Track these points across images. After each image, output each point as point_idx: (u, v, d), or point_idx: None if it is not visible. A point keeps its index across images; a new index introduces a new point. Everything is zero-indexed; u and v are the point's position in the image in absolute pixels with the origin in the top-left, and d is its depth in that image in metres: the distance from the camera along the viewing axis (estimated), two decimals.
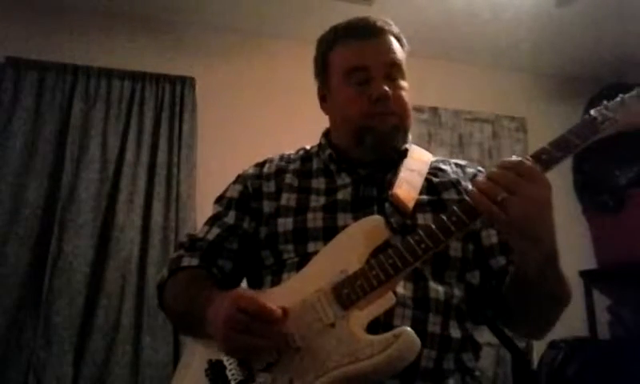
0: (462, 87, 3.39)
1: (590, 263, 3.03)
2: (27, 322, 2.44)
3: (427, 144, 3.19)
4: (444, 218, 0.86)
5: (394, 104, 1.07)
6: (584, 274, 2.91)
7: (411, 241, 0.86)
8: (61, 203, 2.57)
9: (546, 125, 3.29)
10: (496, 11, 2.90)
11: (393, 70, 1.09)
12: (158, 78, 2.87)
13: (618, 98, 0.93)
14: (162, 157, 2.76)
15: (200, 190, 2.78)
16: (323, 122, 1.21)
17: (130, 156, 2.72)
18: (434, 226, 0.86)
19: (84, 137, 2.70)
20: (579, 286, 2.90)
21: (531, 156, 0.87)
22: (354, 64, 1.10)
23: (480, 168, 1.17)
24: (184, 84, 2.89)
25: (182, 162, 2.79)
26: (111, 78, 2.80)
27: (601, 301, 2.96)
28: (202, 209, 2.69)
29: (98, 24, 2.90)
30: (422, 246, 0.85)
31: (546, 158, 0.86)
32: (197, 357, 0.94)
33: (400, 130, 1.09)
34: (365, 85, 1.08)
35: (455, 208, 0.87)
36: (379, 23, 1.12)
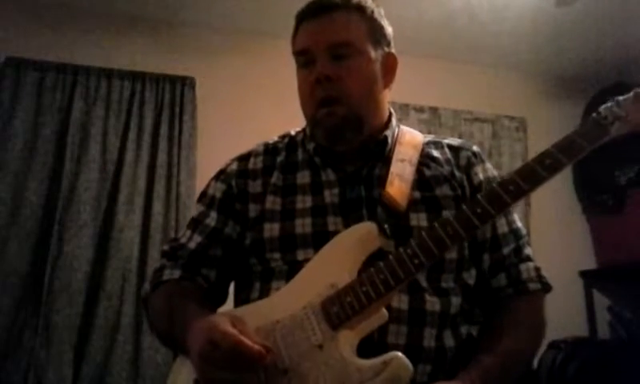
0: (462, 87, 3.39)
1: (590, 263, 3.03)
2: (27, 322, 2.44)
3: None
4: (439, 229, 0.82)
5: (339, 87, 0.98)
6: (584, 274, 2.91)
7: (404, 255, 0.82)
8: (61, 203, 2.57)
9: (546, 125, 3.30)
10: (496, 11, 2.90)
11: (339, 49, 0.99)
12: (158, 78, 2.87)
13: (631, 93, 0.83)
14: (162, 157, 2.76)
15: (200, 190, 2.78)
16: None
17: (130, 156, 2.72)
18: (428, 240, 0.81)
19: (84, 137, 2.70)
20: (579, 286, 2.90)
21: (534, 161, 0.82)
22: (298, 47, 1.04)
23: (475, 149, 1.09)
24: (184, 84, 2.89)
25: (182, 162, 2.79)
26: (111, 78, 2.80)
27: (601, 301, 2.96)
28: None
29: (98, 24, 2.90)
30: (416, 261, 0.81)
31: (549, 163, 0.80)
32: (184, 372, 0.90)
33: (350, 120, 0.99)
34: (310, 67, 1.01)
35: (451, 219, 0.82)
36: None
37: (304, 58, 1.03)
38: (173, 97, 2.86)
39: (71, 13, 2.87)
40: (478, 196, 0.84)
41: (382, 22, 1.07)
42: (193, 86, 2.91)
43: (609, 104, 0.83)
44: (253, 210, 1.03)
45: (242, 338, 0.74)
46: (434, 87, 3.22)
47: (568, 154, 0.81)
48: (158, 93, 2.85)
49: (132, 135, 2.76)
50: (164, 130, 2.81)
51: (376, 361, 0.75)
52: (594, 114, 0.83)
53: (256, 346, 0.74)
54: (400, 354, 0.75)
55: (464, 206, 0.83)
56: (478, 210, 0.81)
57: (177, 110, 2.84)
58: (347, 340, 0.79)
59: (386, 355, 0.76)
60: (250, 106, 2.99)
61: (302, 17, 1.05)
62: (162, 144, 2.78)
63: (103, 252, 2.59)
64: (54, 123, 2.68)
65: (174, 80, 2.88)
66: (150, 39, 2.97)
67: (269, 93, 3.03)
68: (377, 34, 1.05)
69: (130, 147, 2.73)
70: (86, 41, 2.86)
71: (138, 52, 2.91)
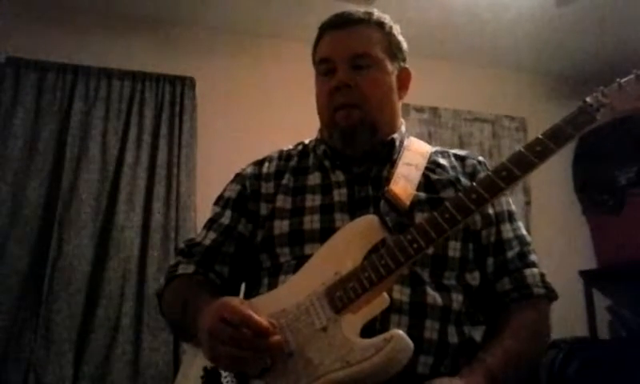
0: (462, 87, 3.39)
1: (590, 263, 3.02)
2: (27, 322, 2.44)
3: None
4: (436, 215, 0.85)
5: (357, 94, 1.04)
6: (584, 274, 2.91)
7: (403, 240, 0.85)
8: (61, 203, 2.57)
9: (546, 125, 3.26)
10: (496, 11, 2.90)
11: (359, 60, 1.06)
12: (158, 78, 2.87)
13: (615, 83, 0.90)
14: (162, 157, 2.76)
15: (200, 190, 2.78)
16: None
17: (130, 156, 2.72)
18: (426, 225, 0.85)
19: (84, 137, 2.70)
20: (579, 286, 2.90)
21: (524, 148, 0.86)
22: (321, 56, 1.11)
23: (480, 159, 1.13)
24: (184, 84, 2.89)
25: (182, 162, 2.79)
26: (111, 78, 2.80)
27: (601, 301, 2.96)
28: (202, 209, 2.69)
29: (98, 24, 2.90)
30: (415, 245, 0.84)
31: (539, 150, 0.85)
32: (195, 363, 0.93)
33: (365, 124, 1.05)
34: (330, 75, 1.07)
35: (448, 205, 0.86)
36: (355, 14, 1.10)
37: (325, 66, 1.09)
38: (173, 97, 2.86)
39: (71, 13, 2.87)
40: (474, 183, 0.88)
41: (399, 38, 1.13)
42: (193, 86, 2.91)
43: (595, 93, 0.89)
44: (264, 208, 1.08)
45: (251, 312, 0.80)
46: (434, 87, 3.22)
47: (557, 141, 0.86)
48: (157, 93, 2.85)
49: (132, 135, 2.76)
50: (164, 130, 2.81)
51: (377, 338, 0.78)
52: (581, 103, 0.89)
53: (265, 321, 0.79)
54: (401, 331, 0.78)
55: (460, 193, 0.87)
56: (473, 196, 0.85)
57: (177, 109, 2.84)
58: (350, 323, 0.82)
59: (387, 333, 0.78)
60: (249, 106, 2.99)
61: (326, 28, 1.12)
62: (162, 144, 2.78)
63: (103, 252, 2.59)
64: (54, 123, 2.68)
65: (173, 80, 2.88)
66: (150, 39, 2.97)
67: (268, 93, 3.03)
68: (394, 49, 1.11)
69: (129, 147, 2.73)
70: (85, 41, 2.86)
71: (138, 52, 2.91)
